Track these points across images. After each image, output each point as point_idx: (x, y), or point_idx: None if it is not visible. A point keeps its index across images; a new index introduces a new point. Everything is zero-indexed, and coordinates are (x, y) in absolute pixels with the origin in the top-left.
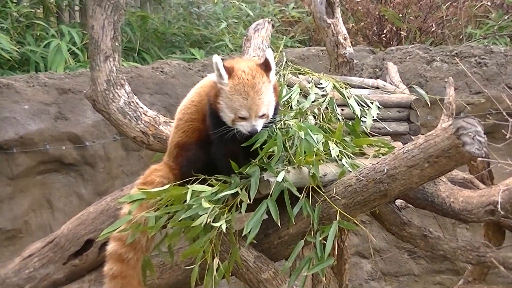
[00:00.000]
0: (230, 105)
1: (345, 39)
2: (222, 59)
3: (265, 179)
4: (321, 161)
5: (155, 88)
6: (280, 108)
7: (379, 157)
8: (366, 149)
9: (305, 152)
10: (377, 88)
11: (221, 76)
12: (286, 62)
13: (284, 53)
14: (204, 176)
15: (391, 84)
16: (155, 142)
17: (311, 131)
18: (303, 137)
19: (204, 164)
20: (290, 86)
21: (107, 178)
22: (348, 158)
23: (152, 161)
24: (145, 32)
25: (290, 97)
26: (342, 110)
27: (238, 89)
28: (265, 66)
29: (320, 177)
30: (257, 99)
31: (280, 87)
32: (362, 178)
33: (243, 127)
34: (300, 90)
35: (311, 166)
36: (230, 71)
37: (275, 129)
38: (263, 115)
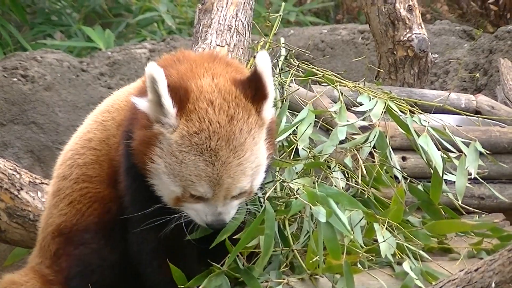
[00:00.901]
0: (176, 170)
1: (410, 9)
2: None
3: None
4: (360, 267)
5: (11, 111)
6: (274, 156)
7: (480, 258)
8: (453, 240)
9: (325, 248)
10: (478, 113)
11: (161, 109)
12: (286, 57)
13: (282, 39)
14: None
15: (508, 104)
16: (11, 226)
17: (337, 203)
18: (321, 217)
19: (115, 273)
20: (293, 109)
21: None
22: (416, 260)
23: (4, 265)
24: None
25: (294, 133)
26: (403, 159)
27: (196, 143)
28: (255, 88)
29: None
30: (234, 167)
31: (276, 115)
32: None
33: (197, 213)
34: (316, 117)
35: (337, 276)
36: (181, 98)
37: (261, 198)
38: (243, 192)
